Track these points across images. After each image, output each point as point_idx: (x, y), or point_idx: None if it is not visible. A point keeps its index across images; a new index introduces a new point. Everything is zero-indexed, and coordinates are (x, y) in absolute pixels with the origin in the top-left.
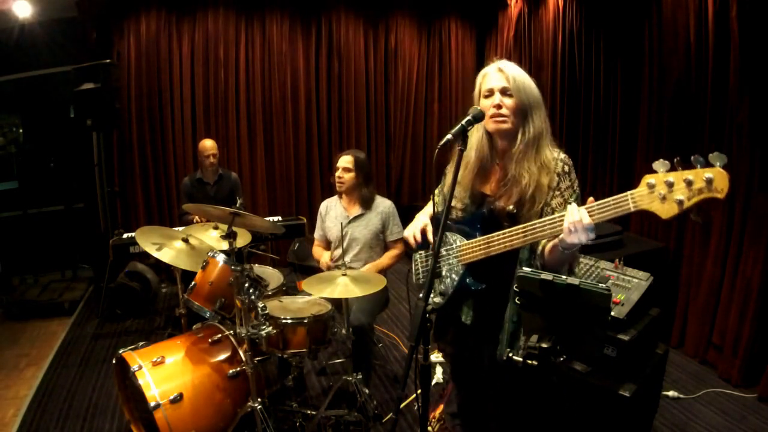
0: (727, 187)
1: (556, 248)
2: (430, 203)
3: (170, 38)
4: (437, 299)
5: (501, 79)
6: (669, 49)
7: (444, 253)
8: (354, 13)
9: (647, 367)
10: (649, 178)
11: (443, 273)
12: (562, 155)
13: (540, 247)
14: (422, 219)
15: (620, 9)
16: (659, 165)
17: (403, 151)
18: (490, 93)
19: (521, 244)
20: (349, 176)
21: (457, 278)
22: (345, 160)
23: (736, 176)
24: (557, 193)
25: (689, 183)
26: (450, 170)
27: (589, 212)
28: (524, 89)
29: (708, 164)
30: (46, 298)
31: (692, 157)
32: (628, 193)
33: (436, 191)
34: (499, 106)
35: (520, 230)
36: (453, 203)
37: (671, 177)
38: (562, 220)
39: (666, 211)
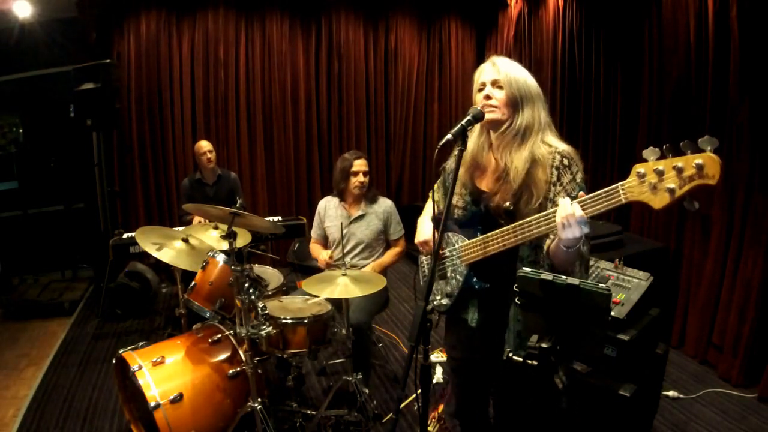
0: (719, 172)
1: (558, 247)
2: (429, 203)
3: (170, 38)
4: (444, 301)
5: (493, 72)
6: (669, 49)
7: (447, 254)
8: (354, 13)
9: (647, 367)
10: (638, 168)
11: (448, 274)
12: (563, 147)
13: (545, 248)
14: (428, 225)
15: (620, 9)
16: (649, 153)
17: (403, 151)
18: (483, 86)
19: (515, 243)
20: (367, 178)
21: (461, 279)
22: (363, 163)
23: (736, 176)
24: (559, 188)
25: (679, 170)
26: (448, 167)
27: (581, 206)
28: (516, 82)
29: (698, 149)
30: (46, 298)
31: (681, 143)
32: (619, 184)
33: (435, 186)
34: (488, 97)
35: (514, 228)
36: (454, 201)
37: (661, 165)
38: (555, 216)
39: (658, 200)
